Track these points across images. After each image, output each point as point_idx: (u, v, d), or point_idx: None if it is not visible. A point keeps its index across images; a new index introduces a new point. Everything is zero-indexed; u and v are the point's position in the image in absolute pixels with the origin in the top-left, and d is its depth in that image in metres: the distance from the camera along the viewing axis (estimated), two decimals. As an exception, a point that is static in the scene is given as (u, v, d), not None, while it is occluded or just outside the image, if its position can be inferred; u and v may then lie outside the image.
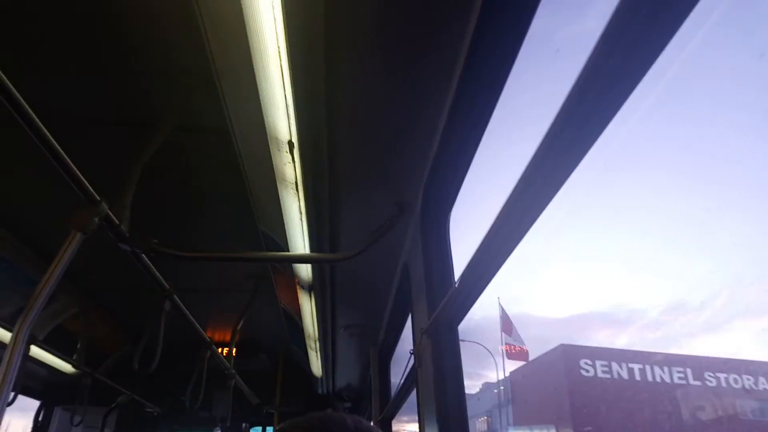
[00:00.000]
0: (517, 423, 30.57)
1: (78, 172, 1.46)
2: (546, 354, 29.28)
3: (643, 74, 0.78)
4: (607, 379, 27.05)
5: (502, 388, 32.88)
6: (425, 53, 1.41)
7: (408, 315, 2.48)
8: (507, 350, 28.14)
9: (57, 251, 1.48)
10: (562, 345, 28.20)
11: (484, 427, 35.57)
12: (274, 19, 1.22)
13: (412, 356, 2.15)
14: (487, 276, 1.40)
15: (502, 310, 27.92)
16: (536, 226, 1.12)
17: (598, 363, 27.29)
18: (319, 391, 5.18)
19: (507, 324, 27.89)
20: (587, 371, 27.19)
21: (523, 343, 28.08)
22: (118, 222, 1.71)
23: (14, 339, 1.30)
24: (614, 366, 27.47)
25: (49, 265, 1.45)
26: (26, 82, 1.26)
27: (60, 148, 1.37)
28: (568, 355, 27.48)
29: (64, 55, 1.66)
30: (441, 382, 1.73)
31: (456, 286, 1.54)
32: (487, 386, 37.39)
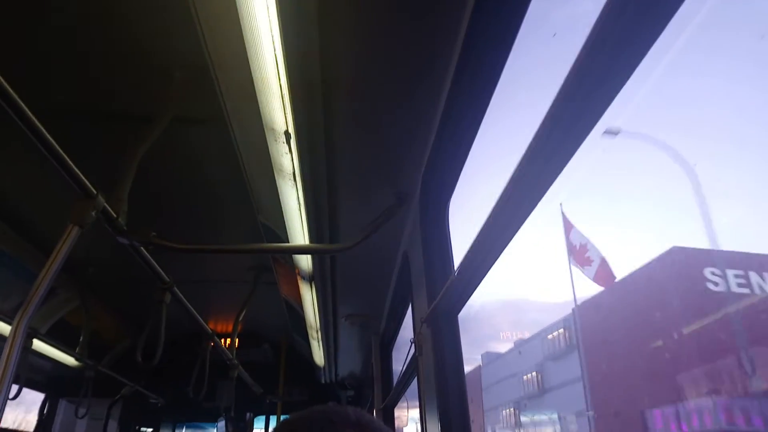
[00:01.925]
0: (594, 374, 21.31)
1: (73, 165, 1.45)
2: (641, 270, 20.11)
3: (638, 61, 0.77)
4: (747, 294, 17.63)
5: (561, 330, 24.03)
6: (422, 40, 1.40)
7: (409, 304, 2.48)
8: (576, 256, 20.35)
9: (55, 245, 1.47)
10: (674, 247, 19.06)
11: (534, 387, 26.68)
12: (267, 8, 1.20)
13: (413, 345, 2.16)
14: (487, 264, 1.39)
15: (564, 216, 22.59)
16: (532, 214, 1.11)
17: (729, 273, 18.13)
18: (322, 380, 5.21)
19: (568, 227, 21.94)
20: (716, 284, 17.97)
21: (589, 249, 20.71)
22: (115, 215, 1.70)
23: (13, 333, 1.30)
24: (753, 277, 18.23)
25: (47, 259, 1.45)
26: (19, 76, 1.25)
27: (54, 142, 1.36)
28: (686, 261, 18.24)
29: (58, 48, 1.64)
30: (441, 371, 1.73)
31: (455, 274, 1.54)
32: (521, 342, 29.59)
